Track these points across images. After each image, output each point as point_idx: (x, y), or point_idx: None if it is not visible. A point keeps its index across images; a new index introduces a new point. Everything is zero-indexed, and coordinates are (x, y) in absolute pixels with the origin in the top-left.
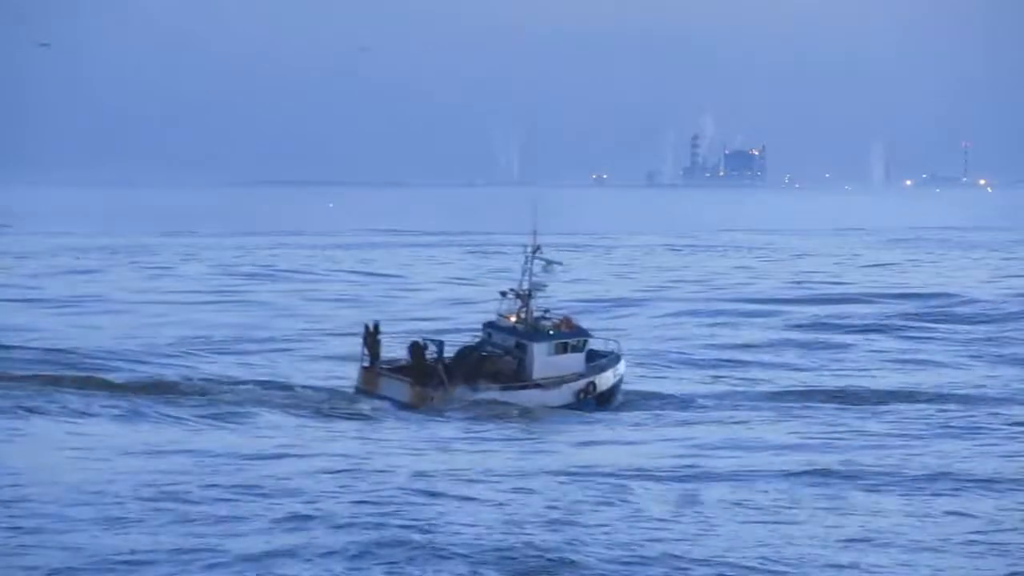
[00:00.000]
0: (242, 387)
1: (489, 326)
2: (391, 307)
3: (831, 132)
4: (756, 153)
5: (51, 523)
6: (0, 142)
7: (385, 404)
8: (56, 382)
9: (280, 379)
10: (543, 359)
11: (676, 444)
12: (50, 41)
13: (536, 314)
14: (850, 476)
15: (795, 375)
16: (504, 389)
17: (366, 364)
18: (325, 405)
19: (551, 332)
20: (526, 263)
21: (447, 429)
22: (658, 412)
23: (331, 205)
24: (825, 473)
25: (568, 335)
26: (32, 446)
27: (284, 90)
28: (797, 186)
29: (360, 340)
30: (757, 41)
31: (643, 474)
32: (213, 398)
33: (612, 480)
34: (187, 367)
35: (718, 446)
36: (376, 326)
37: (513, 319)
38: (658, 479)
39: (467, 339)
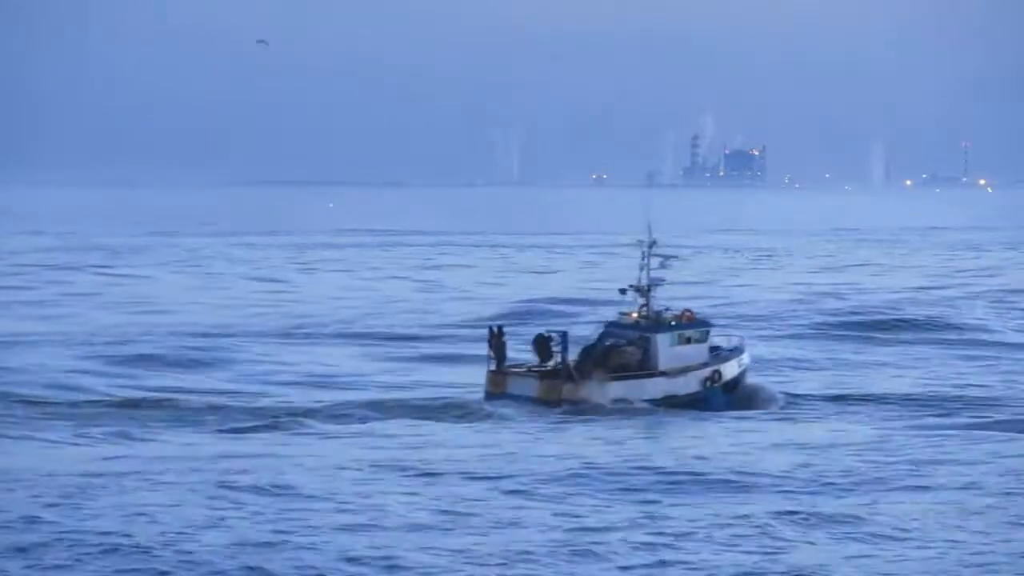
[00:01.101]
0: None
1: (610, 325)
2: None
3: (831, 132)
4: (756, 153)
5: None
6: (1, 142)
7: (515, 404)
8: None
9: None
10: (667, 349)
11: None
12: (268, 39)
13: (656, 308)
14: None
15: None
16: (630, 378)
17: (493, 368)
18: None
19: (673, 324)
20: (643, 259)
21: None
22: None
23: (331, 205)
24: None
25: (690, 326)
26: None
27: (284, 90)
28: (797, 186)
29: (486, 344)
30: (757, 41)
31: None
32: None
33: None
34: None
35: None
36: (500, 329)
37: (635, 315)
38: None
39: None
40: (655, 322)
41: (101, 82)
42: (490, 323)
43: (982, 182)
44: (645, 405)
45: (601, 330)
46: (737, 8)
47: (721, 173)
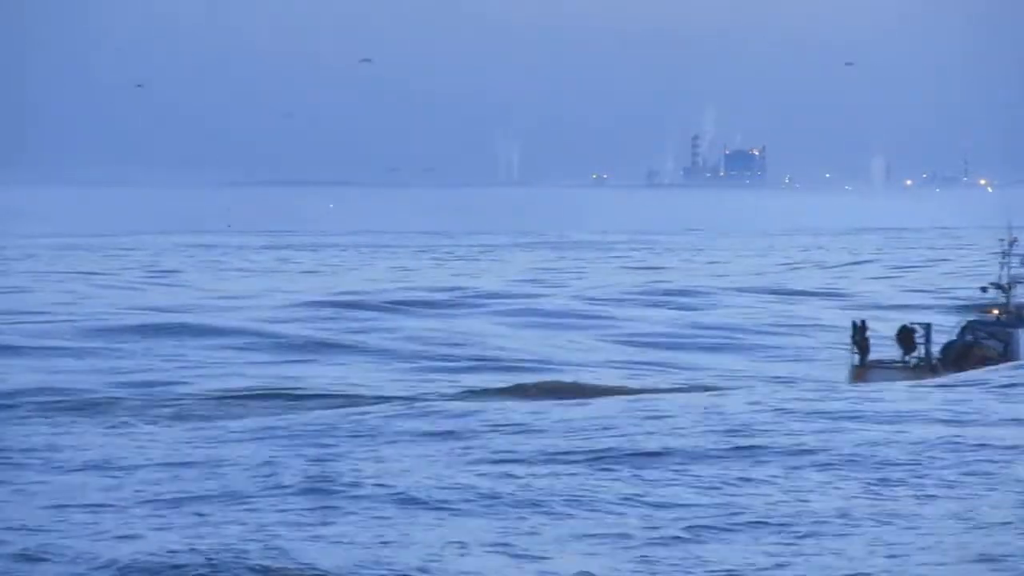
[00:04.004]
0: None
1: (972, 322)
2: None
3: (831, 132)
4: (756, 153)
5: None
6: (1, 141)
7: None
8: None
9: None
10: None
11: None
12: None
13: (1015, 302)
14: None
15: None
16: (991, 370)
17: (857, 363)
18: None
19: None
20: (1004, 257)
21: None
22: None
23: (331, 206)
24: None
25: None
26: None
27: (285, 90)
28: (797, 186)
29: (849, 338)
30: (757, 40)
31: None
32: None
33: None
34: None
35: None
36: (863, 323)
37: (996, 312)
38: None
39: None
40: (1016, 317)
41: (101, 81)
42: (854, 318)
43: (982, 182)
44: None
45: (962, 326)
46: (737, 8)
47: (721, 173)
